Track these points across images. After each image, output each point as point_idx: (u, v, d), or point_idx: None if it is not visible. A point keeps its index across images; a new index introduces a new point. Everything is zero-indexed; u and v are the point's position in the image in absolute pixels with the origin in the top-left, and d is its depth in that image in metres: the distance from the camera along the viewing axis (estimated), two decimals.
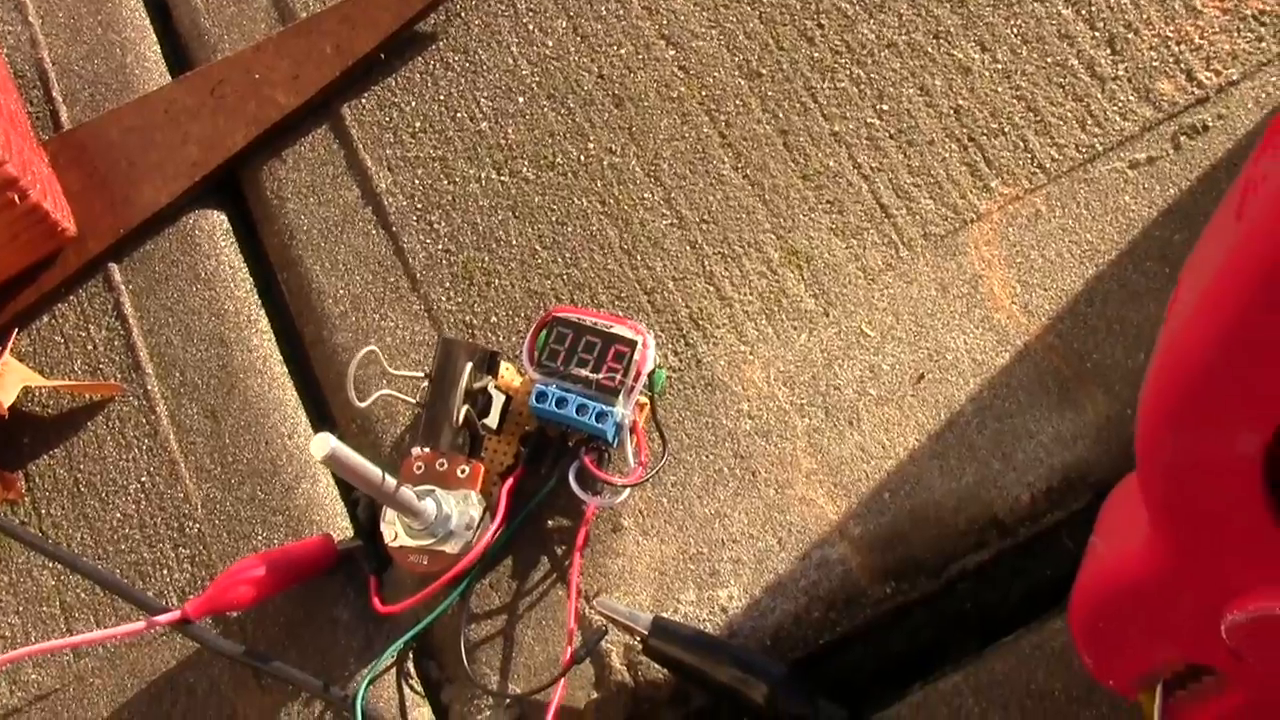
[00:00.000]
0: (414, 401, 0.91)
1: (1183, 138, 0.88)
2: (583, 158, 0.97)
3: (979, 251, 0.88)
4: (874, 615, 0.83)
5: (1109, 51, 0.90)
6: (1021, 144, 0.90)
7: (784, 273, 0.91)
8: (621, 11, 1.01)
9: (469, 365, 0.87)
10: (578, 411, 0.84)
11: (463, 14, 1.04)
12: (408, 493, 0.82)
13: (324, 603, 0.91)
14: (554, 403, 0.84)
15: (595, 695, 0.84)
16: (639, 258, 0.93)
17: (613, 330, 0.85)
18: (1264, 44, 0.88)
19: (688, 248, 0.93)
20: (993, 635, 0.82)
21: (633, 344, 0.84)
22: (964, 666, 0.81)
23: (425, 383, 0.89)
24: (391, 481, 0.79)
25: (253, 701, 0.90)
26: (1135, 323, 0.84)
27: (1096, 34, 0.91)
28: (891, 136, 0.92)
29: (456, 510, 0.85)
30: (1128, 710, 0.76)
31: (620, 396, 0.84)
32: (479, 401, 0.87)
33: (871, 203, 0.91)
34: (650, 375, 0.86)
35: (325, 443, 0.72)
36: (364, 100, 1.04)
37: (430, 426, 0.87)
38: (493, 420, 0.88)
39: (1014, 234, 0.88)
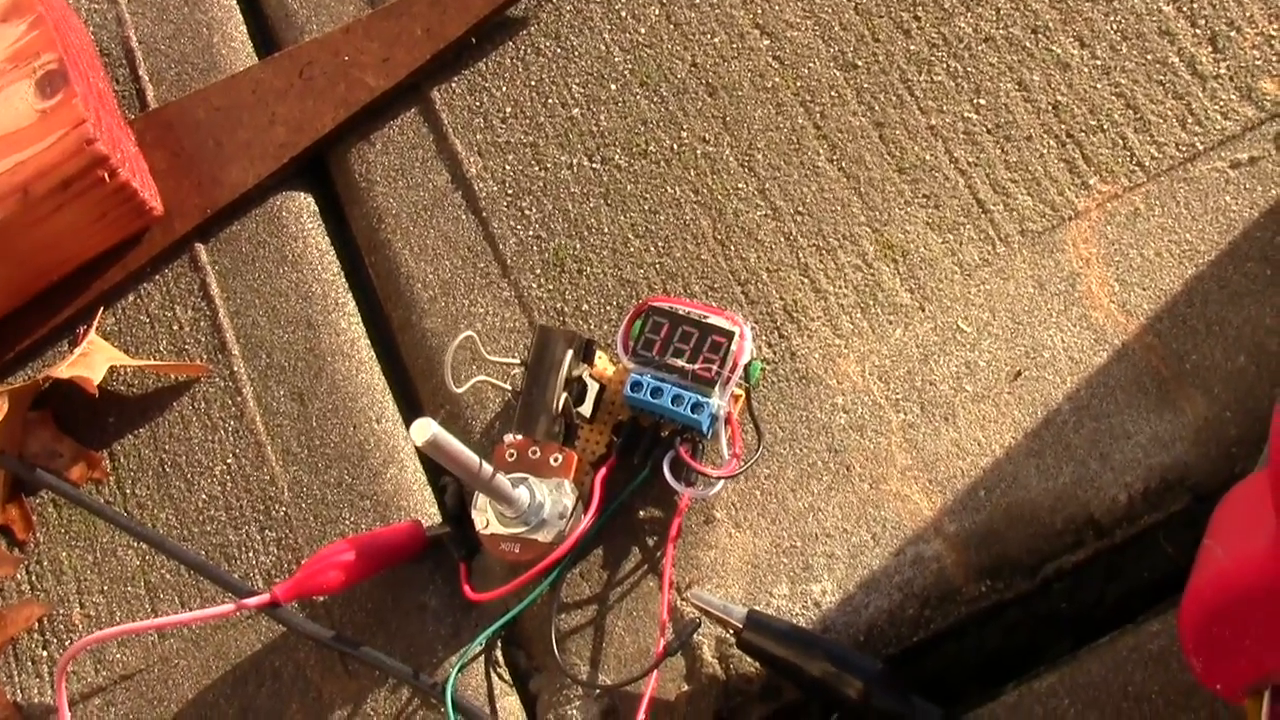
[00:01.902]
0: (508, 388, 0.91)
1: None
2: (676, 146, 0.97)
3: (1077, 249, 0.87)
4: (968, 613, 0.83)
5: (1210, 49, 0.90)
6: (1120, 141, 0.89)
7: (879, 266, 0.90)
8: (715, 0, 1.00)
9: (569, 353, 0.86)
10: (673, 402, 0.83)
11: None
12: (503, 480, 0.81)
13: (411, 589, 0.91)
14: (649, 392, 0.84)
15: (686, 688, 0.84)
16: (733, 248, 0.93)
17: (709, 320, 0.85)
18: None
19: (782, 239, 0.92)
20: (1087, 636, 0.82)
21: (730, 335, 0.84)
22: (1059, 667, 0.80)
23: (520, 370, 0.89)
24: (488, 469, 0.79)
25: (339, 687, 0.90)
26: (1235, 324, 0.83)
27: (1198, 31, 0.90)
28: (989, 131, 0.91)
29: (550, 499, 0.85)
30: (1227, 715, 0.76)
31: (716, 387, 0.83)
32: (574, 390, 0.87)
33: (968, 198, 0.90)
34: (747, 367, 0.85)
35: (426, 428, 0.72)
36: (454, 84, 1.04)
37: (526, 414, 0.86)
38: (587, 409, 0.87)
39: (1113, 232, 0.87)
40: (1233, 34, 0.90)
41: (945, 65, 0.94)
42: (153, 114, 1.09)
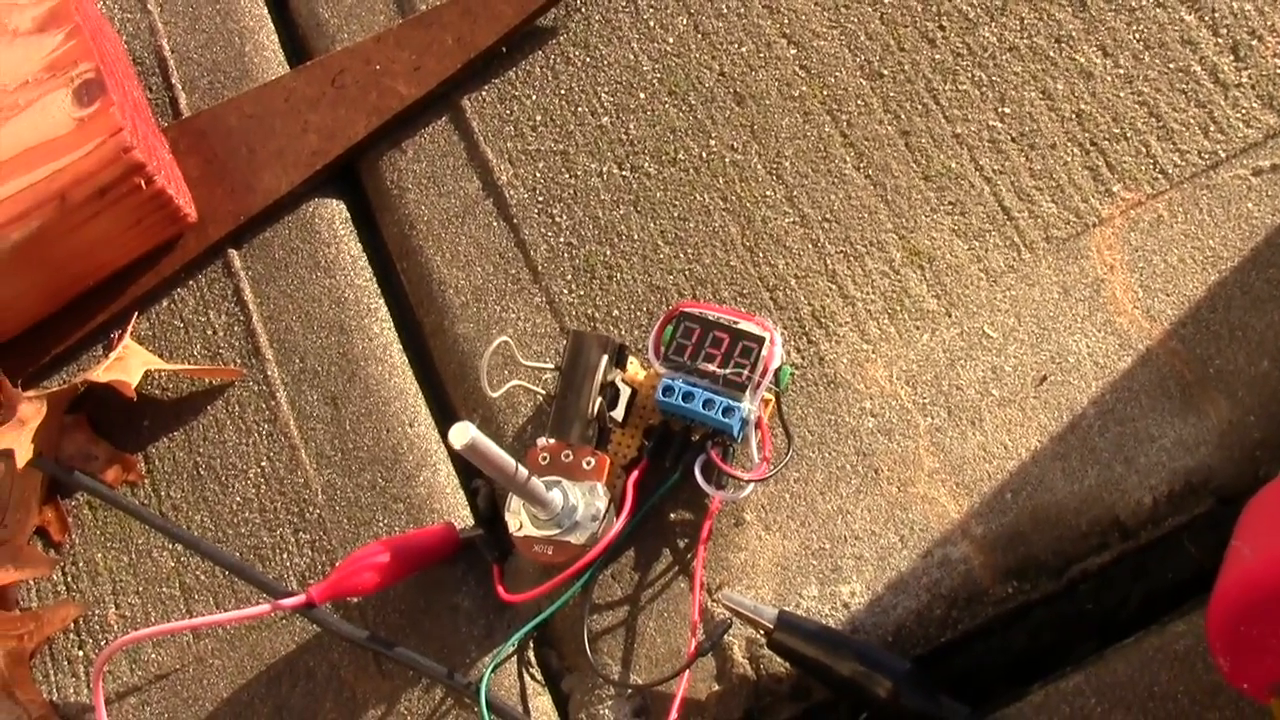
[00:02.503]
0: (541, 393, 0.92)
1: None
2: (704, 154, 0.98)
3: (1101, 255, 0.88)
4: (995, 614, 0.84)
5: (1232, 58, 0.91)
6: (1144, 149, 0.90)
7: (906, 273, 0.91)
8: (742, 10, 1.01)
9: (604, 358, 0.88)
10: (704, 406, 0.84)
11: (583, 9, 1.05)
12: (537, 483, 0.83)
13: (444, 590, 0.92)
14: (680, 397, 0.85)
15: (717, 687, 0.85)
16: (761, 255, 0.94)
17: (740, 326, 0.86)
18: None
19: (810, 246, 0.94)
20: (1113, 637, 0.83)
21: (760, 340, 0.85)
22: (1085, 667, 0.81)
23: (554, 374, 0.90)
24: (524, 472, 0.80)
25: (373, 687, 0.91)
26: (1258, 329, 0.84)
27: (1220, 40, 0.91)
28: (1013, 139, 0.93)
29: (583, 501, 0.86)
30: (1253, 714, 0.77)
31: (747, 392, 0.84)
32: (607, 394, 0.88)
33: (994, 205, 0.91)
34: (777, 372, 0.86)
35: (465, 432, 0.73)
36: (484, 93, 1.05)
37: (560, 418, 0.88)
38: (619, 413, 0.88)
39: (1136, 239, 0.88)
40: (1254, 43, 0.90)
41: (970, 74, 0.95)
42: (186, 121, 1.11)
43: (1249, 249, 0.86)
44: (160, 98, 1.14)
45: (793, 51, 0.99)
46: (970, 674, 0.85)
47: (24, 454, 0.96)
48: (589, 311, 0.96)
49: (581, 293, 0.97)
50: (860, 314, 0.91)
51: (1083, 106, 0.92)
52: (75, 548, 1.01)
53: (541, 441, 0.88)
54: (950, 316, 0.89)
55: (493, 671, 0.88)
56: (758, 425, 0.86)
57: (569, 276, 0.98)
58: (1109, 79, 0.92)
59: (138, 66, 1.15)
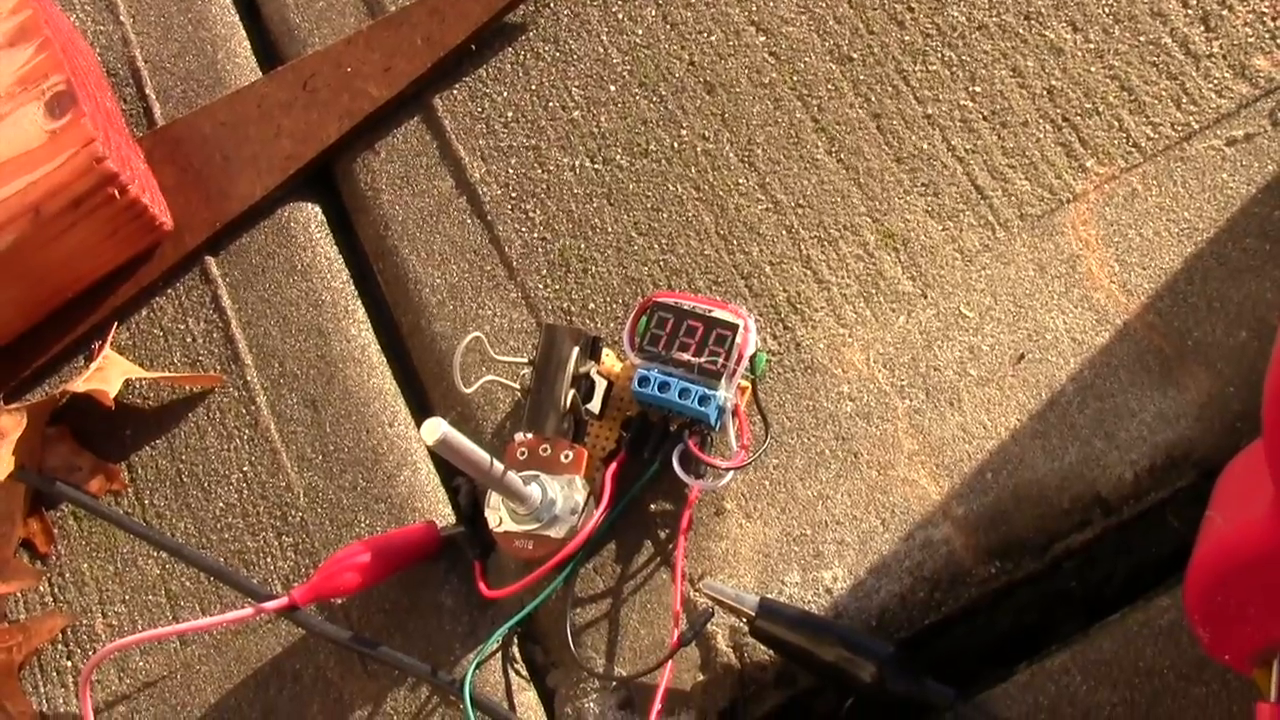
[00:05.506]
0: (517, 388, 0.92)
1: None
2: (676, 145, 0.98)
3: (1076, 231, 0.88)
4: (978, 595, 0.83)
5: (1203, 29, 0.90)
6: (1116, 123, 0.90)
7: (881, 255, 0.91)
8: None
9: (575, 350, 0.87)
10: (680, 395, 0.84)
11: (552, 4, 1.05)
12: (514, 478, 0.82)
13: (427, 589, 0.92)
14: (656, 387, 0.84)
15: (701, 677, 0.85)
16: (735, 243, 0.94)
17: (714, 314, 0.85)
18: None
19: (784, 232, 0.93)
20: (1098, 614, 0.82)
21: (734, 327, 0.85)
22: (1071, 645, 0.81)
23: (528, 369, 0.89)
24: (499, 466, 0.80)
25: (359, 687, 0.91)
26: (1236, 300, 0.84)
27: (1190, 11, 0.91)
28: (985, 118, 0.92)
29: (561, 495, 0.86)
30: (1239, 686, 0.76)
31: (722, 380, 0.84)
32: (582, 387, 0.87)
33: (966, 184, 0.91)
34: (752, 359, 0.86)
35: (436, 428, 0.73)
36: (455, 91, 1.05)
37: (535, 412, 0.87)
38: (595, 405, 0.88)
39: (1111, 213, 0.88)
40: (1224, 12, 0.90)
41: (940, 54, 0.95)
42: (160, 131, 1.11)
43: (1224, 220, 0.86)
44: (135, 108, 1.14)
45: (761, 39, 0.99)
46: (955, 656, 0.85)
47: (6, 467, 0.96)
48: (565, 305, 0.96)
49: (557, 287, 0.96)
50: (836, 298, 0.91)
51: (1053, 83, 0.92)
52: (61, 559, 1.01)
53: (519, 436, 0.88)
54: (926, 298, 0.89)
55: (477, 668, 0.88)
56: (735, 413, 0.86)
57: (544, 271, 0.97)
58: (1079, 54, 0.92)
59: (112, 78, 1.15)
